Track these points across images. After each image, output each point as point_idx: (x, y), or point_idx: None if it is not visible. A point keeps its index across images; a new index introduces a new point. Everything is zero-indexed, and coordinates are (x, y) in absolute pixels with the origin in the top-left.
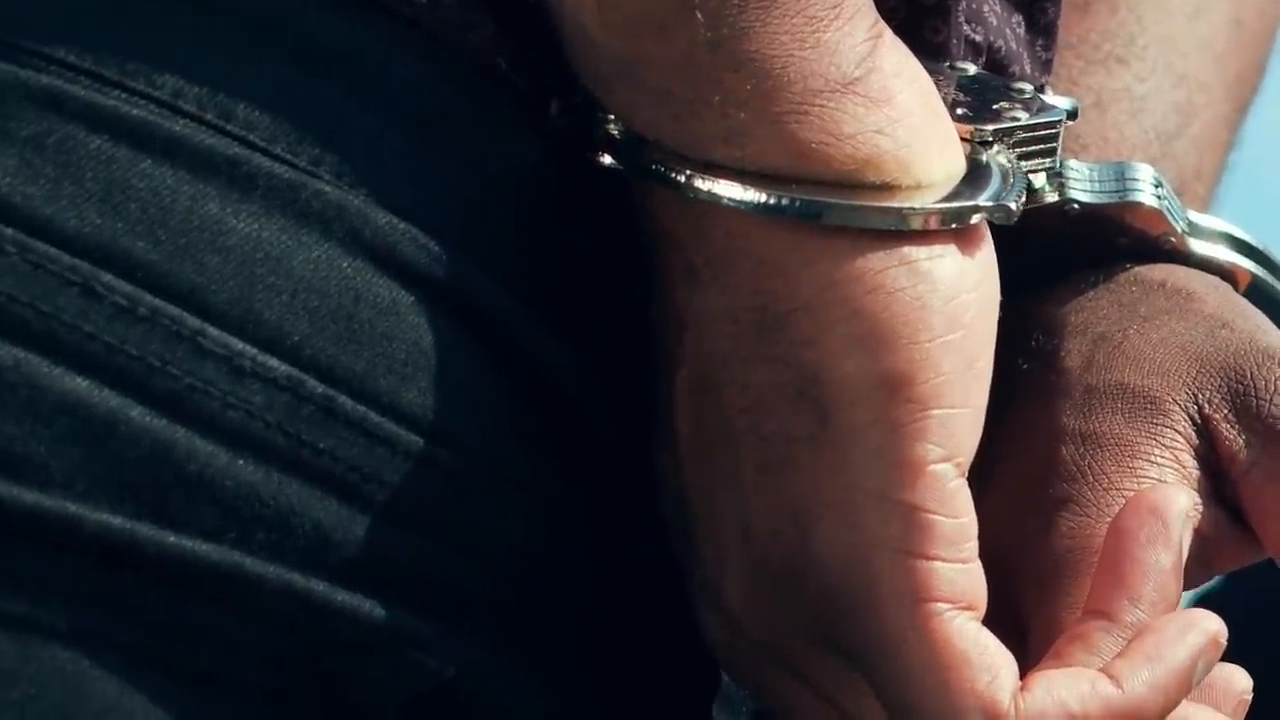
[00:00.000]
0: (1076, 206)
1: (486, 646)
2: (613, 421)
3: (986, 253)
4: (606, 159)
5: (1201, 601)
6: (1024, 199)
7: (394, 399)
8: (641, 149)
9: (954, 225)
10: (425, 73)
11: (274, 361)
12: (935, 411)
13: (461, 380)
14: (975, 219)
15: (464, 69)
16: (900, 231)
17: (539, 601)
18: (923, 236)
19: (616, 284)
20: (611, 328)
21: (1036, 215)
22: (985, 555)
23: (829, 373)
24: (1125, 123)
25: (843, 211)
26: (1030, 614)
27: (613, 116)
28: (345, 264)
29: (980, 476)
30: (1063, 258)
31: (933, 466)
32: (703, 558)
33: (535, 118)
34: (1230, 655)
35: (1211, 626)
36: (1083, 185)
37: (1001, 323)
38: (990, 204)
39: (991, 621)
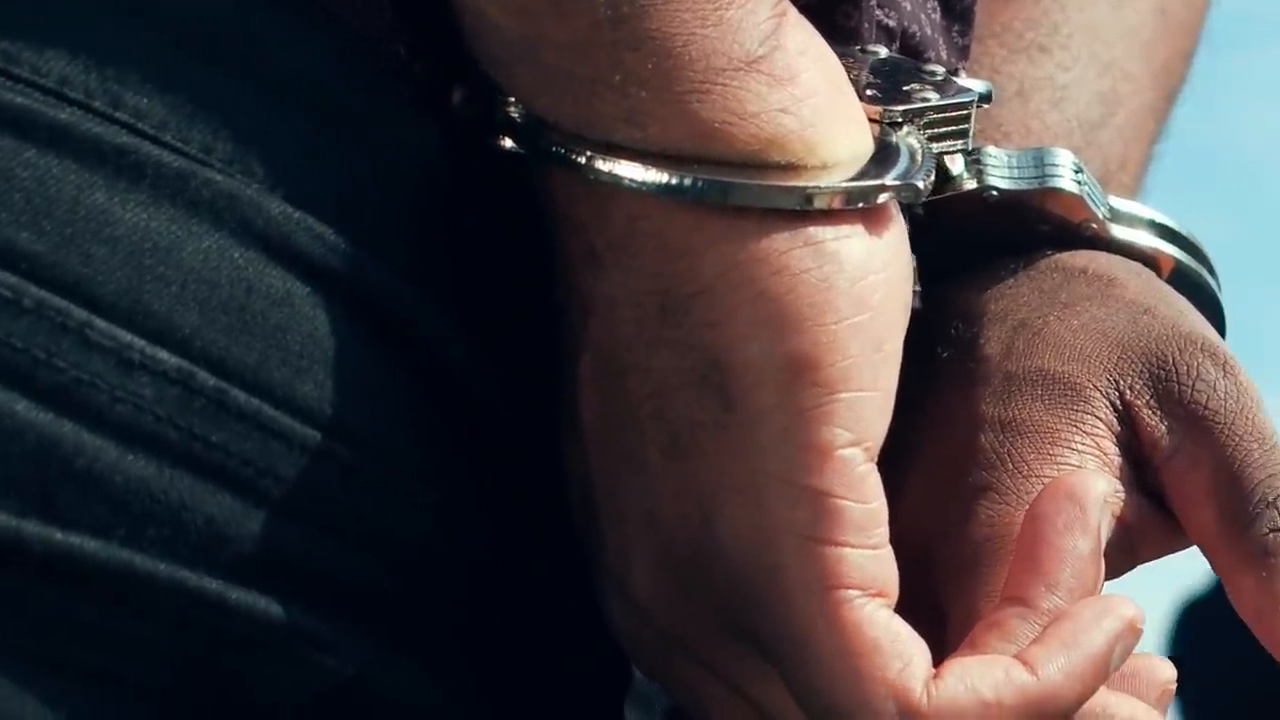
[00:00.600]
0: (995, 193)
1: (388, 644)
2: (516, 411)
3: (895, 234)
4: (508, 143)
5: (1203, 599)
6: (932, 179)
7: (288, 392)
8: (542, 132)
9: (860, 205)
10: (321, 59)
11: (164, 354)
12: (842, 395)
13: (358, 372)
14: (882, 198)
15: (361, 54)
16: (805, 212)
17: (442, 597)
18: (828, 217)
19: (520, 271)
20: (515, 315)
21: (956, 203)
22: (906, 544)
23: (733, 356)
24: (1048, 111)
25: (746, 191)
26: (949, 603)
27: (513, 100)
28: (237, 254)
29: (901, 465)
30: (983, 246)
31: (840, 451)
32: (608, 546)
33: (434, 104)
34: (1232, 654)
35: (1128, 612)
36: (1001, 171)
37: (922, 311)
38: (897, 183)
39: (912, 611)
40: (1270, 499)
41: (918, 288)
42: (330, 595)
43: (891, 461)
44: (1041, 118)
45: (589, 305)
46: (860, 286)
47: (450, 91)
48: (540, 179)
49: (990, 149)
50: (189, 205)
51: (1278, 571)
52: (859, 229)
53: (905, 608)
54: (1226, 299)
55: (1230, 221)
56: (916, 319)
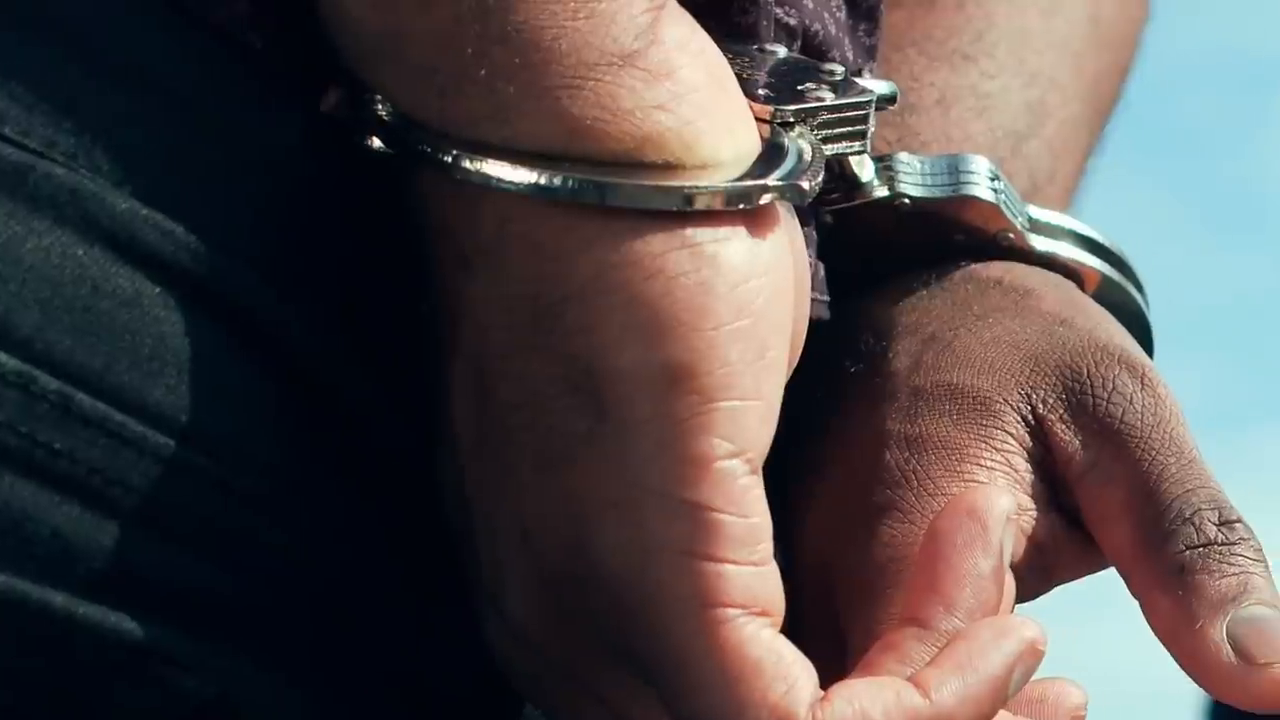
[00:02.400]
0: (907, 201)
1: (252, 662)
2: (389, 421)
3: (780, 236)
4: (376, 143)
5: None
6: (820, 179)
7: (139, 396)
8: (409, 130)
9: (741, 206)
10: (172, 51)
11: (2, 356)
12: (722, 404)
13: (214, 376)
14: (765, 199)
15: (215, 47)
16: (683, 213)
17: (312, 615)
18: (707, 218)
19: (390, 276)
20: (387, 321)
21: (867, 212)
22: (808, 566)
23: (606, 364)
24: (970, 121)
25: (621, 192)
26: (849, 627)
27: (380, 97)
28: (80, 252)
29: (805, 484)
30: (896, 257)
31: (720, 463)
32: (483, 563)
33: (295, 98)
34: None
35: (1029, 633)
36: (914, 179)
37: (831, 324)
38: (780, 183)
39: (814, 636)
40: (1187, 515)
41: (826, 298)
42: (188, 611)
43: (796, 480)
44: (963, 127)
45: (460, 311)
46: (741, 291)
47: (312, 86)
48: (410, 180)
49: (902, 155)
50: (28, 200)
51: (1193, 590)
52: (740, 231)
53: (807, 633)
54: (1268, 344)
55: (1275, 266)
56: (825, 332)
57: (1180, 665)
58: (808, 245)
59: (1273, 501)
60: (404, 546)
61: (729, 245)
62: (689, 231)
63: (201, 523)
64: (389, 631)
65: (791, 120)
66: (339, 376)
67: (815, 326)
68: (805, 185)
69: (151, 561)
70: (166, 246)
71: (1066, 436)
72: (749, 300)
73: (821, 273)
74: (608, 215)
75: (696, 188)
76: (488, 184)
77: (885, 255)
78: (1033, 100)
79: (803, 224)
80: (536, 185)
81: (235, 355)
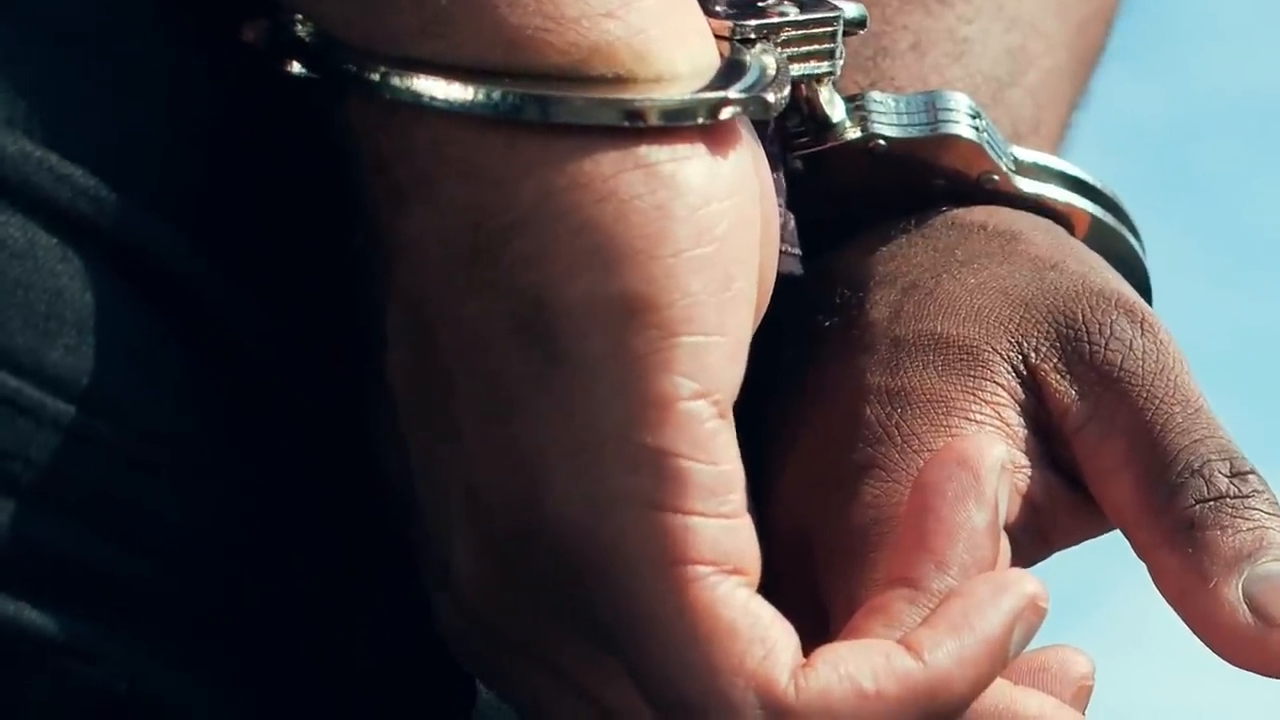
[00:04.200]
0: (883, 143)
1: (164, 654)
2: (314, 382)
3: (743, 157)
4: (295, 67)
5: None
6: (786, 94)
7: (35, 359)
8: (332, 50)
9: (700, 121)
10: None
11: None
12: (684, 339)
13: (119, 336)
14: (726, 113)
15: None
16: (636, 130)
17: (230, 598)
18: (663, 135)
19: (312, 223)
20: (306, 274)
21: (839, 157)
22: (784, 532)
23: (555, 297)
24: (948, 66)
25: (563, 106)
26: (830, 596)
27: (299, 17)
28: None
29: (780, 447)
30: (872, 204)
31: (683, 404)
32: (428, 532)
33: (204, 29)
34: None
35: (1029, 588)
36: (888, 118)
37: (805, 279)
38: (743, 95)
39: (793, 610)
40: (1195, 466)
41: (798, 252)
42: (94, 596)
43: (769, 443)
44: (941, 72)
45: (394, 250)
46: (702, 215)
47: (222, 15)
48: (335, 109)
49: (875, 94)
50: None
51: (1204, 547)
52: (699, 149)
53: (783, 605)
54: None
55: None
56: (799, 287)
57: (1191, 629)
58: (777, 194)
59: None
60: (333, 521)
61: (687, 165)
62: (643, 150)
63: (107, 499)
64: (317, 614)
65: (753, 37)
66: (256, 333)
67: (786, 282)
68: (770, 98)
69: (52, 542)
70: (63, 192)
71: (1061, 386)
72: (710, 225)
73: (792, 224)
74: (552, 134)
75: (651, 99)
76: (419, 103)
77: (860, 204)
78: (1013, 46)
79: (771, 171)
80: (473, 102)
81: (141, 311)
